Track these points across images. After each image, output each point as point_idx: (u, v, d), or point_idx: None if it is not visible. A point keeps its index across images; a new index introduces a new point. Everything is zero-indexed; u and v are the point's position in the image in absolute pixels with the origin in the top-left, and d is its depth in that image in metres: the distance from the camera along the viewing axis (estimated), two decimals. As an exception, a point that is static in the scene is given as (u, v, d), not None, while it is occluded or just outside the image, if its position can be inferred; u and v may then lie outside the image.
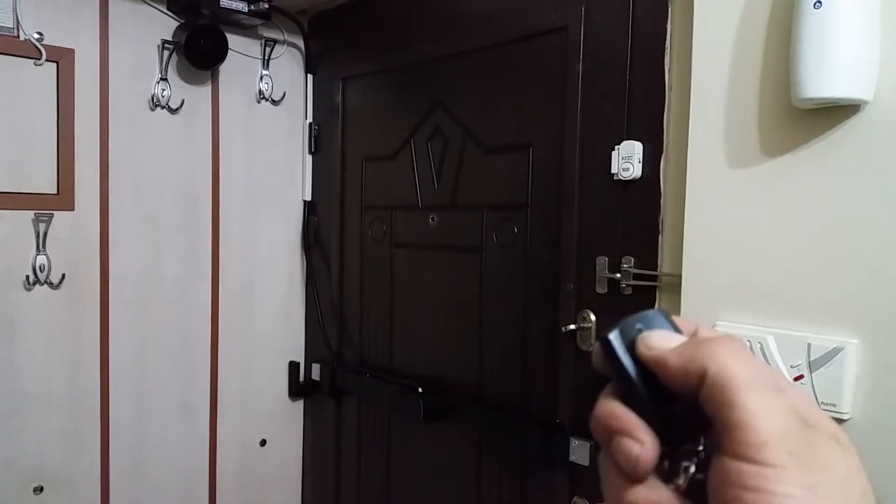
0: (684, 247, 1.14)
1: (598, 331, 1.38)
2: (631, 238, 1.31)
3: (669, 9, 1.24)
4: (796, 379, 1.00)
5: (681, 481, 0.29)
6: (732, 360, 0.27)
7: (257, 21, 1.84)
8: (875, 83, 0.93)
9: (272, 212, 2.01)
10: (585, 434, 1.37)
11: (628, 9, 1.31)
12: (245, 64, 1.92)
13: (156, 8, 1.74)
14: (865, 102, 0.94)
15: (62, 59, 1.60)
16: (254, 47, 1.94)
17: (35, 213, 1.58)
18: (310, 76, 2.04)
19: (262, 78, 1.95)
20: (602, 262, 1.35)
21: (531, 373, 1.51)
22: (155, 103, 1.75)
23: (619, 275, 1.32)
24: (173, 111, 1.79)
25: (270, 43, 1.95)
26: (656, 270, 1.27)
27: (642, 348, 0.30)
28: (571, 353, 1.42)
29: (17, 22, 1.53)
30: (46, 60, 1.57)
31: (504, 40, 1.54)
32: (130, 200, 1.73)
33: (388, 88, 1.88)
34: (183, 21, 1.76)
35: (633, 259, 1.30)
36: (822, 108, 0.97)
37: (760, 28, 1.04)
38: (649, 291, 1.28)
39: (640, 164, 1.28)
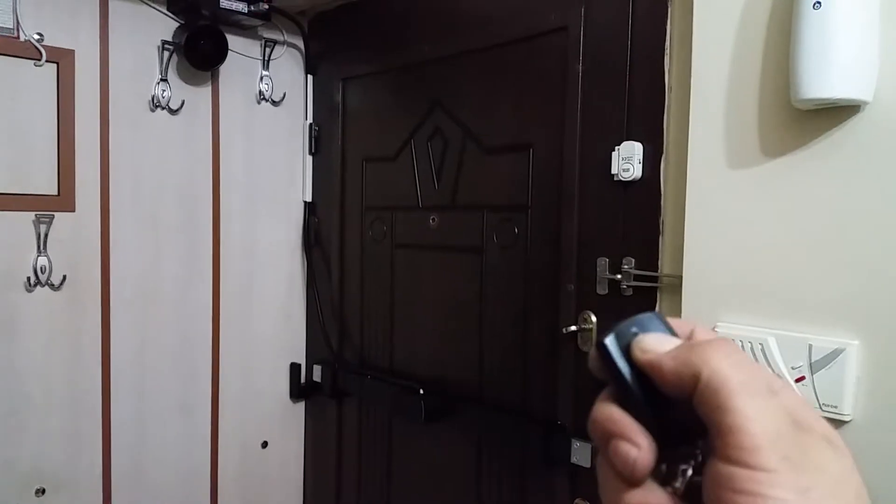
0: (685, 248, 1.14)
1: (598, 332, 1.37)
2: (631, 239, 1.31)
3: (669, 9, 1.24)
4: (798, 380, 0.99)
5: (678, 484, 0.29)
6: (725, 364, 0.27)
7: (257, 22, 1.84)
8: (875, 84, 0.93)
9: (272, 212, 2.02)
10: (587, 435, 1.36)
11: (628, 9, 1.31)
12: (245, 64, 1.92)
13: (156, 9, 1.74)
14: (865, 103, 0.94)
15: (62, 59, 1.60)
16: (254, 48, 1.94)
17: (36, 215, 1.58)
18: (310, 77, 2.04)
19: (262, 78, 1.95)
20: (602, 262, 1.35)
21: (532, 374, 1.51)
22: (155, 104, 1.75)
23: (619, 276, 1.32)
24: (173, 112, 1.79)
25: (270, 43, 1.95)
26: (657, 271, 1.27)
27: (637, 352, 0.30)
28: (572, 354, 1.42)
29: (18, 23, 1.53)
30: (46, 61, 1.57)
31: (504, 41, 1.54)
32: (131, 201, 1.73)
33: (388, 89, 1.88)
34: (183, 22, 1.76)
35: (633, 260, 1.30)
36: (821, 109, 0.97)
37: (760, 29, 1.04)
38: (650, 292, 1.28)
39: (641, 165, 1.28)
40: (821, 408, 0.97)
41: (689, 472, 0.28)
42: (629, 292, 1.31)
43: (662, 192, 1.26)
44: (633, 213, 1.31)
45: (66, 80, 1.61)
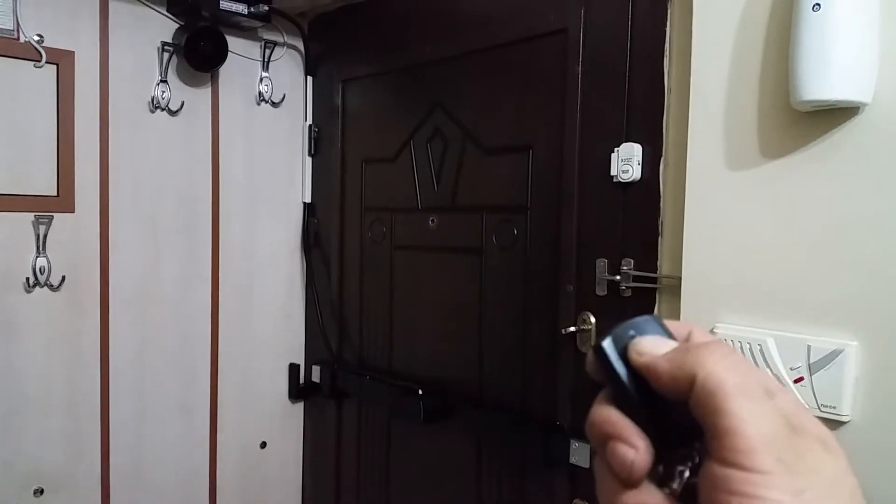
0: (684, 249, 1.14)
1: (597, 333, 1.38)
2: (630, 240, 1.31)
3: (669, 11, 1.25)
4: (796, 381, 1.00)
5: (675, 485, 0.29)
6: (721, 367, 0.27)
7: (257, 23, 1.85)
8: (874, 85, 0.93)
9: (272, 213, 2.02)
10: (585, 436, 1.37)
11: (627, 11, 1.31)
12: (245, 66, 1.92)
13: (156, 10, 1.74)
14: (864, 104, 0.94)
15: (62, 61, 1.60)
16: (254, 49, 1.94)
17: (35, 216, 1.58)
18: (310, 78, 2.04)
19: (261, 80, 1.95)
20: (602, 263, 1.35)
21: (531, 374, 1.51)
22: (155, 105, 1.76)
23: (618, 277, 1.32)
24: (173, 113, 1.79)
25: (270, 45, 1.95)
26: (656, 272, 1.27)
27: (633, 355, 0.30)
28: (571, 355, 1.42)
29: (18, 24, 1.53)
30: (46, 62, 1.57)
31: (504, 42, 1.54)
32: (130, 202, 1.73)
33: (387, 90, 1.88)
34: (183, 23, 1.76)
35: (632, 261, 1.30)
36: (821, 111, 0.97)
37: (760, 30, 1.04)
38: (649, 293, 1.28)
39: (640, 166, 1.28)
40: (819, 408, 0.97)
41: (686, 473, 0.29)
42: (628, 293, 1.31)
43: (662, 194, 1.26)
44: (633, 215, 1.31)
45: (66, 81, 1.61)
